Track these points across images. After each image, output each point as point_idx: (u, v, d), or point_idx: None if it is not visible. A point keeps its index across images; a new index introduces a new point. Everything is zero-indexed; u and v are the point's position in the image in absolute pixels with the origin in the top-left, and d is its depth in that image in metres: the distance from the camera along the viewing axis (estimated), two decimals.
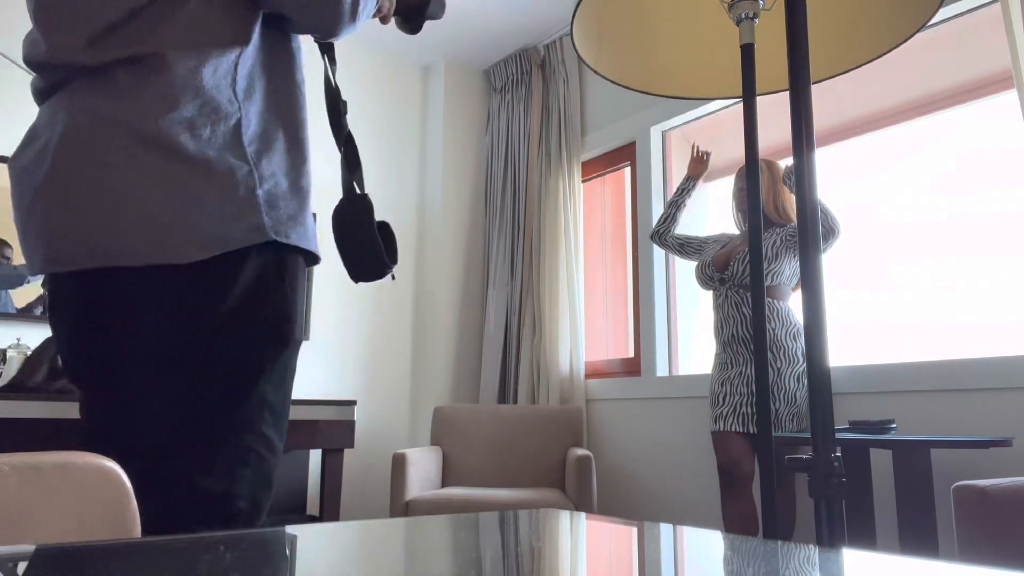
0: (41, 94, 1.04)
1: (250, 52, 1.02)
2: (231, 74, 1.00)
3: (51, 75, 1.00)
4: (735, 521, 2.45)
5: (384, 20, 1.26)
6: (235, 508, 0.99)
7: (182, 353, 0.96)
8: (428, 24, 3.91)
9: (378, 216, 4.09)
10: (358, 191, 1.19)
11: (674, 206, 2.90)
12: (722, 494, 2.50)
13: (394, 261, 1.20)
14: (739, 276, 2.59)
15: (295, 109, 1.08)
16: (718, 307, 2.66)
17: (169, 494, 0.94)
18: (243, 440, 0.99)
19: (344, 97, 4.04)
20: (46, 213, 0.94)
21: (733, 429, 2.46)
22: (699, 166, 2.89)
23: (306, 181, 1.08)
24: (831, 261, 2.85)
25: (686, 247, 2.87)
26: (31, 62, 1.01)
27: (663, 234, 2.91)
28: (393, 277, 1.25)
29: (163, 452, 0.96)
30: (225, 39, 0.99)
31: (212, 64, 0.97)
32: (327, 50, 1.22)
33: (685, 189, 2.90)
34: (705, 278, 2.71)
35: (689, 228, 3.33)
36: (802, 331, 2.46)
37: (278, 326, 1.02)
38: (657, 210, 3.44)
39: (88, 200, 0.93)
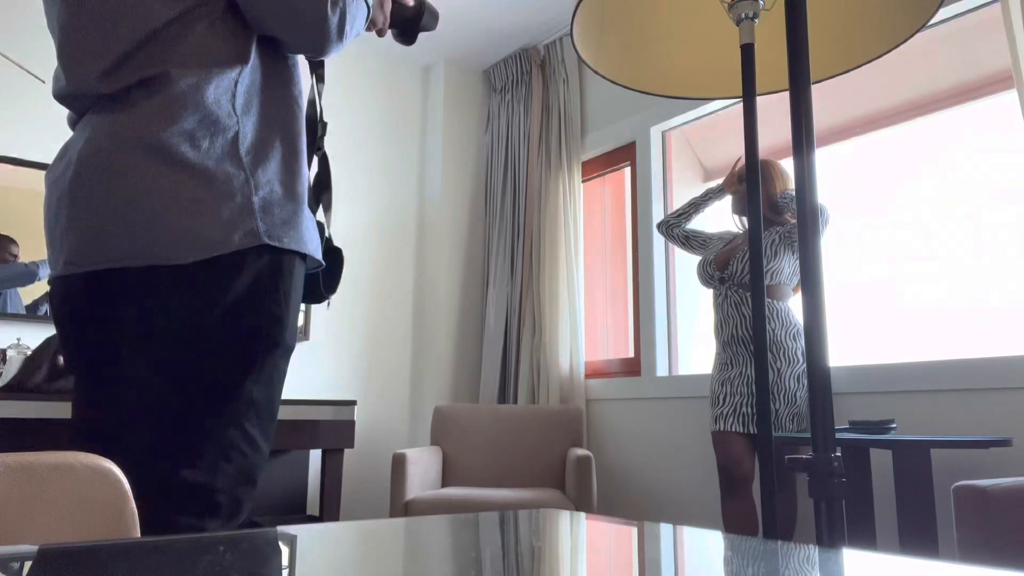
0: (73, 122, 1.14)
1: (249, 70, 1.09)
2: (231, 90, 1.06)
3: (77, 105, 1.09)
4: (735, 521, 2.45)
5: (380, 33, 1.30)
6: (214, 502, 1.02)
7: (177, 349, 1.01)
8: None
9: (379, 217, 4.09)
10: (330, 237, 1.30)
11: (695, 207, 2.84)
12: (722, 494, 2.50)
13: (331, 292, 1.29)
14: (739, 275, 2.59)
15: (291, 121, 1.14)
16: (718, 306, 2.66)
17: (151, 484, 0.97)
18: (227, 436, 1.03)
19: (342, 102, 4.04)
20: (68, 218, 1.03)
21: (733, 429, 2.46)
22: (735, 184, 2.78)
23: (302, 187, 1.14)
24: (830, 261, 2.85)
25: (691, 240, 2.85)
26: (57, 96, 1.11)
27: (672, 226, 2.89)
28: (328, 305, 1.32)
29: (149, 442, 1.00)
30: (226, 59, 1.07)
31: (214, 82, 1.05)
32: (316, 68, 1.28)
33: (711, 197, 2.83)
34: (706, 276, 2.71)
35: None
36: (802, 331, 2.47)
37: (269, 328, 1.06)
38: (657, 210, 3.44)
39: (101, 206, 1.00)
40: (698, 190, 3.53)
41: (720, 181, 2.82)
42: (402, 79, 4.30)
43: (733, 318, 2.59)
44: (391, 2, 1.30)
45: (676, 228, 2.88)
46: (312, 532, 0.61)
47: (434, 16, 1.36)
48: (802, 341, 2.49)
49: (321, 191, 1.30)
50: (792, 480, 2.53)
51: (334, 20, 1.11)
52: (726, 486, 2.48)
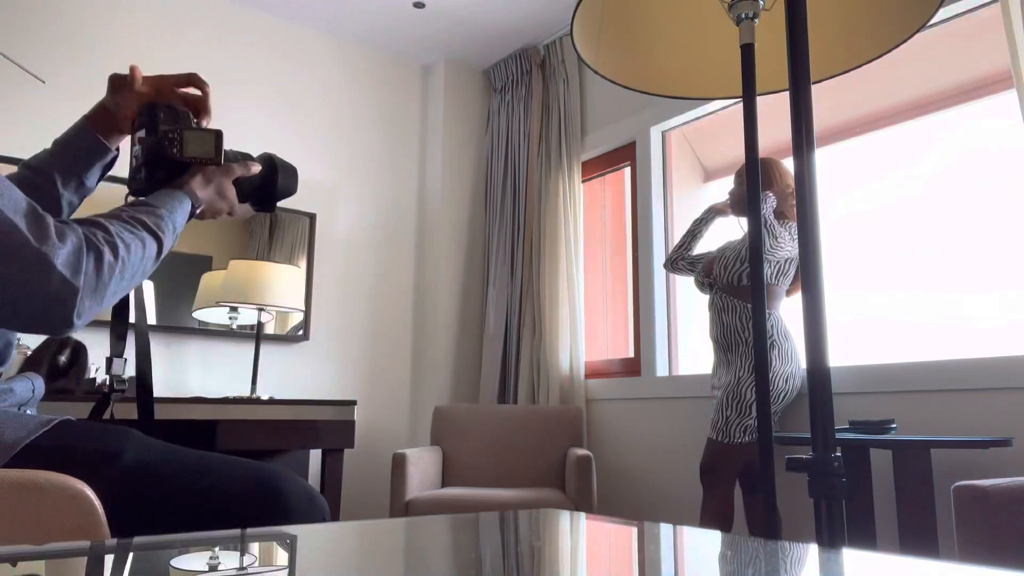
0: None
1: None
2: None
3: None
4: (707, 521, 2.49)
5: (231, 214, 1.17)
6: None
7: None
8: (428, 23, 3.91)
9: (379, 217, 4.09)
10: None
11: (691, 236, 2.82)
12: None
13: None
14: (722, 279, 2.61)
15: None
16: (709, 310, 2.71)
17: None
18: None
19: (343, 102, 4.04)
20: None
21: (708, 433, 2.52)
22: (729, 206, 2.76)
23: None
24: (831, 261, 2.85)
25: (696, 265, 2.83)
26: None
27: (676, 260, 2.86)
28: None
29: None
30: None
31: None
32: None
33: (706, 220, 2.82)
34: (698, 284, 2.79)
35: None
36: (778, 341, 2.47)
37: None
38: (657, 210, 3.44)
39: None
40: (698, 190, 3.53)
41: (710, 204, 2.82)
42: (402, 79, 4.30)
43: (715, 322, 2.63)
44: (232, 186, 1.14)
45: (680, 260, 2.86)
46: (312, 532, 0.61)
47: (290, 174, 1.22)
48: (777, 351, 2.47)
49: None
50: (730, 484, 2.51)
51: (95, 284, 0.85)
52: (703, 487, 2.54)
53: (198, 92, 1.16)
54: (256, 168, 1.17)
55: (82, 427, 1.02)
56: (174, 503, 0.99)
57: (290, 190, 1.22)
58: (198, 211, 1.09)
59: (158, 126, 1.10)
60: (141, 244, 0.95)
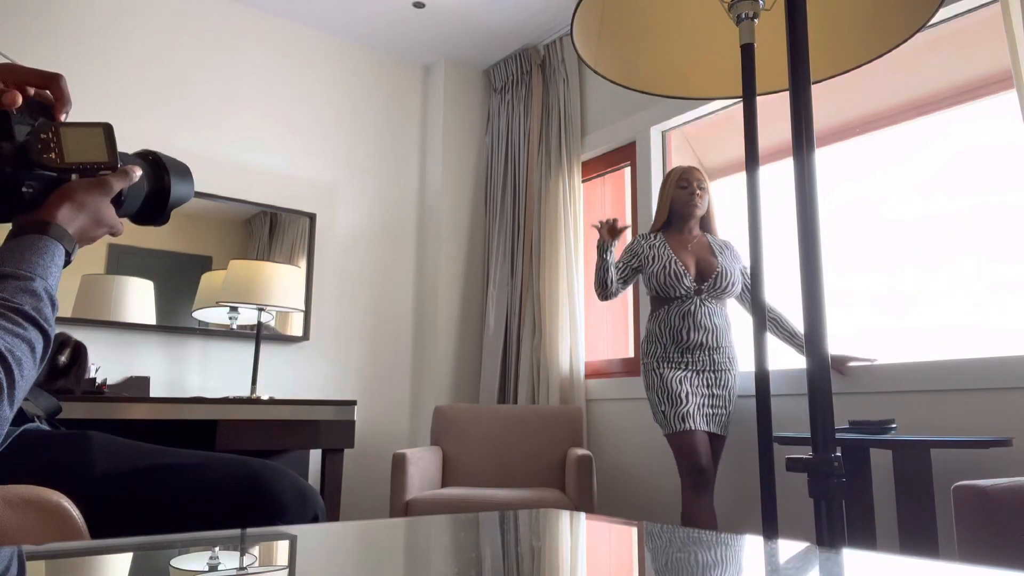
0: None
1: None
2: None
3: None
4: (706, 522, 2.52)
5: (115, 233, 0.93)
6: None
7: None
8: (428, 23, 3.91)
9: (379, 217, 4.09)
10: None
11: (604, 270, 2.77)
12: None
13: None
14: (717, 290, 2.69)
15: None
16: (687, 314, 2.64)
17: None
18: None
19: (343, 102, 4.03)
20: None
21: (711, 430, 2.63)
22: (612, 233, 2.74)
23: None
24: (831, 260, 2.85)
25: (624, 275, 2.81)
26: None
27: (613, 293, 2.81)
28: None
29: None
30: None
31: None
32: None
33: (606, 251, 2.77)
34: (681, 287, 2.67)
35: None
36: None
37: None
38: None
39: None
40: None
41: (599, 243, 2.79)
42: (402, 79, 4.30)
43: (700, 329, 2.65)
44: (110, 206, 0.88)
45: (613, 288, 2.80)
46: (312, 532, 0.61)
47: (184, 174, 0.96)
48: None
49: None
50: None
51: None
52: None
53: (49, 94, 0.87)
54: (138, 173, 0.90)
55: (41, 437, 0.98)
56: (150, 508, 0.95)
57: (185, 196, 0.96)
58: (72, 257, 0.84)
59: (13, 127, 0.80)
60: (30, 350, 0.72)
